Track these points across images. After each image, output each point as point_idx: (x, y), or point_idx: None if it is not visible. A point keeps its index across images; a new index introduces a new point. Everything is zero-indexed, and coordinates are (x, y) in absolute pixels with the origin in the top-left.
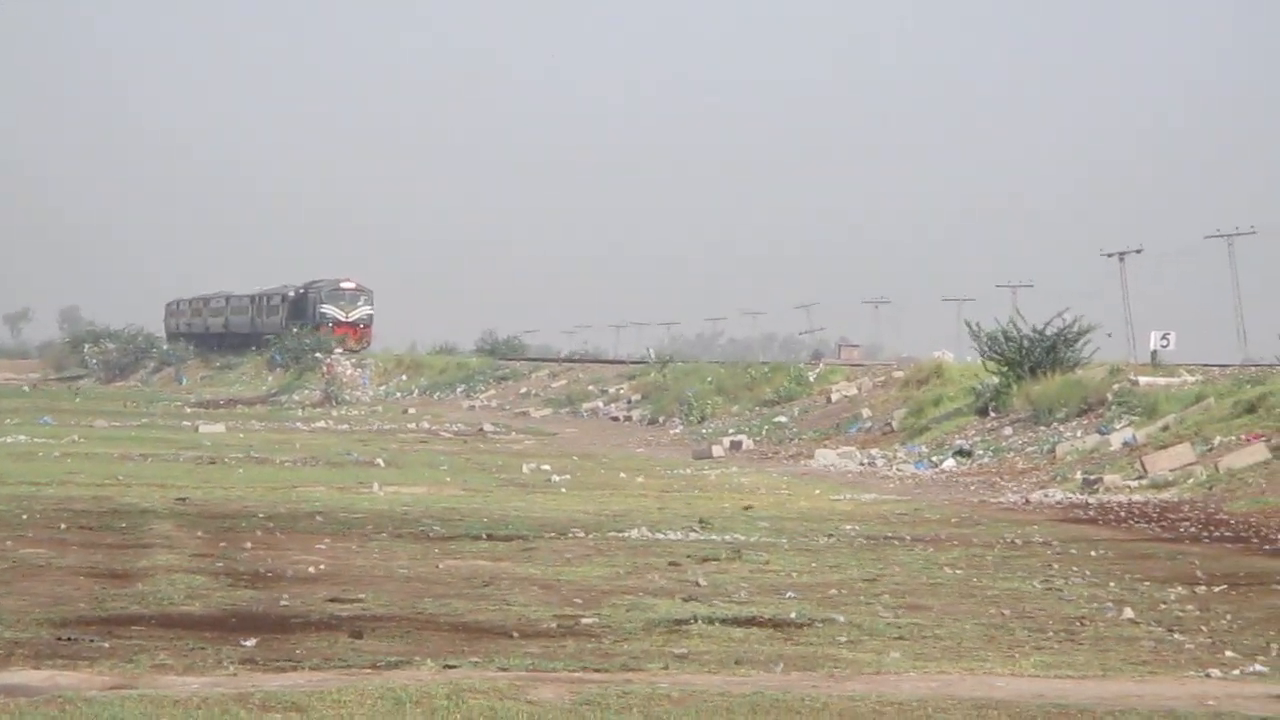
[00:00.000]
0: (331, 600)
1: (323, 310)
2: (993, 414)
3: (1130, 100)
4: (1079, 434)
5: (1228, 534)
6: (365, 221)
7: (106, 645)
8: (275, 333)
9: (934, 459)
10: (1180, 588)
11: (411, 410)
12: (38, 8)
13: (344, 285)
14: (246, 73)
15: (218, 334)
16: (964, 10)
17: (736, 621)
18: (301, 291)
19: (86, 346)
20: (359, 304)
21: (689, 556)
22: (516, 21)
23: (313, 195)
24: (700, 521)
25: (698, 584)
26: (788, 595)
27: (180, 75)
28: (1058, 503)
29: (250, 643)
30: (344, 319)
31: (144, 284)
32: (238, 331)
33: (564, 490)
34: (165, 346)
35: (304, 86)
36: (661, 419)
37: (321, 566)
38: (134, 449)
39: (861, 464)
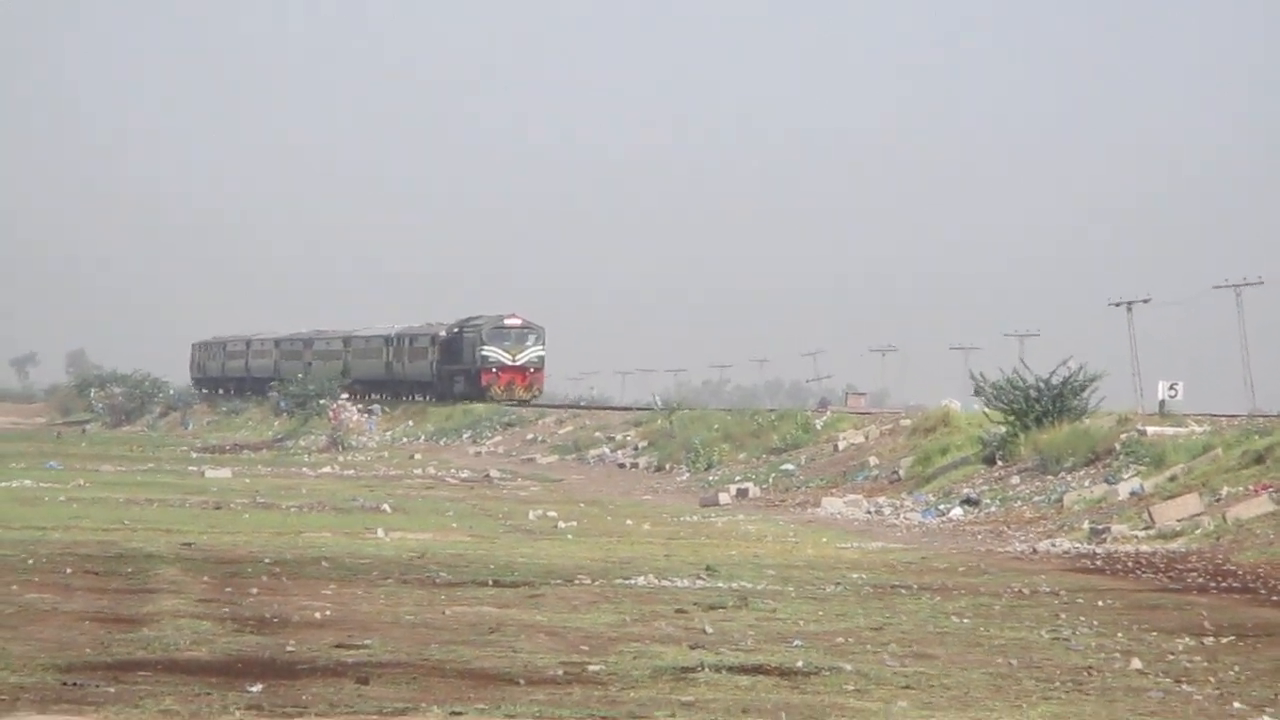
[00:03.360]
0: (338, 646)
1: (484, 353)
2: (1000, 463)
3: (1138, 150)
4: (1086, 484)
5: (1235, 585)
6: (368, 270)
7: (112, 690)
8: (423, 379)
9: (941, 508)
10: (1188, 638)
11: (418, 456)
12: (37, 49)
13: (509, 322)
14: (246, 119)
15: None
16: (970, 63)
17: (743, 669)
18: (456, 331)
19: (93, 390)
20: (528, 344)
21: (696, 604)
22: (489, 67)
23: (324, 243)
24: (707, 569)
25: (704, 631)
26: (794, 643)
27: (179, 126)
28: (1065, 552)
29: (256, 689)
30: (510, 362)
31: (152, 327)
32: (364, 378)
33: (570, 537)
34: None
35: (310, 134)
36: (668, 466)
37: (328, 612)
38: (140, 494)
39: (868, 512)
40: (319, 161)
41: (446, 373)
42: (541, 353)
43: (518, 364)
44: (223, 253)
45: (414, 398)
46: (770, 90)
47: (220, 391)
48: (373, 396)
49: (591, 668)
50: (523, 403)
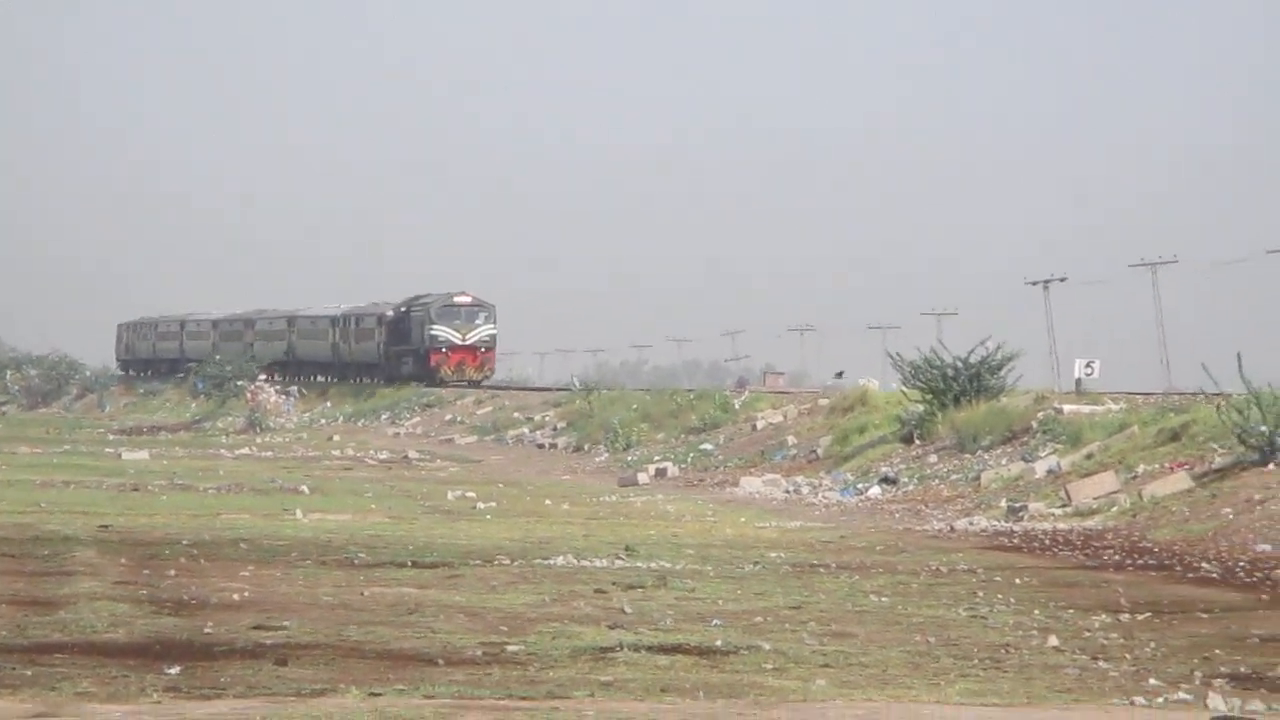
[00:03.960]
0: (256, 628)
1: (433, 332)
2: (918, 441)
3: (1057, 133)
4: (1004, 462)
5: (1151, 562)
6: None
7: (29, 673)
8: (370, 361)
9: (859, 486)
10: (1104, 615)
11: (336, 437)
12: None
13: (459, 300)
14: (198, 75)
15: (278, 362)
16: (897, 50)
17: (662, 649)
18: (403, 310)
19: (8, 373)
20: (478, 322)
21: (615, 584)
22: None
23: (249, 216)
24: (626, 549)
25: (623, 611)
26: (713, 623)
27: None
28: (982, 530)
29: (174, 670)
30: (461, 341)
31: (80, 309)
32: (311, 359)
33: (489, 517)
34: (195, 375)
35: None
36: (587, 446)
37: (246, 594)
38: (56, 476)
39: (787, 491)
40: (305, 153)
41: (395, 353)
42: (493, 331)
43: (468, 343)
44: (170, 228)
45: (362, 380)
46: (702, 69)
47: (151, 375)
48: (318, 379)
49: (510, 648)
50: (474, 384)
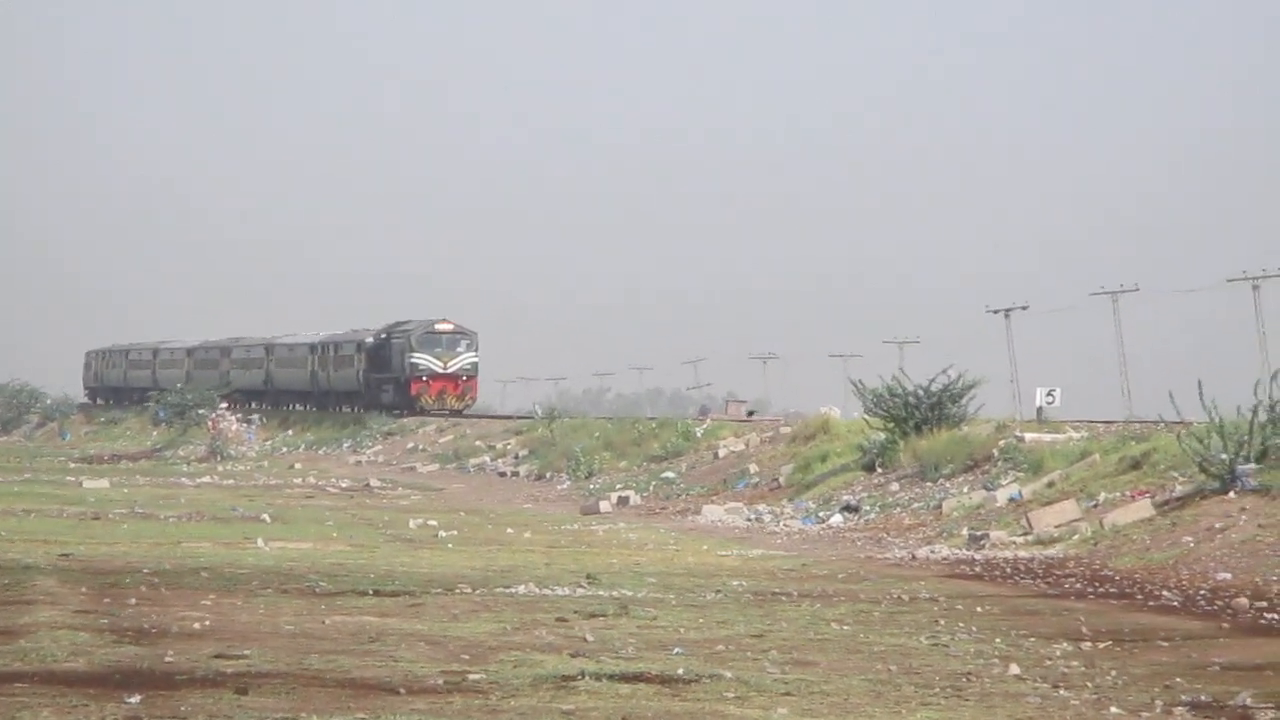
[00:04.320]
0: (217, 656)
1: (413, 360)
2: (879, 470)
3: (1018, 164)
4: (965, 490)
5: (1113, 590)
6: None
7: None
8: (350, 389)
9: (821, 515)
10: (1066, 644)
11: (297, 465)
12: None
13: (440, 327)
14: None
15: (254, 390)
16: (852, 71)
17: (624, 678)
18: (384, 337)
19: None
20: (459, 350)
21: (576, 612)
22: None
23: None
24: (588, 577)
25: (585, 640)
26: (675, 651)
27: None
28: (944, 559)
29: (134, 700)
30: (441, 370)
31: (42, 336)
32: (289, 388)
33: (451, 546)
34: (155, 402)
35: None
36: (549, 474)
37: (207, 622)
38: (16, 504)
39: (749, 519)
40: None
41: (375, 381)
42: (475, 359)
43: (449, 371)
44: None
45: (341, 408)
46: (649, 91)
47: (125, 404)
48: (297, 407)
49: (472, 676)
50: (455, 413)
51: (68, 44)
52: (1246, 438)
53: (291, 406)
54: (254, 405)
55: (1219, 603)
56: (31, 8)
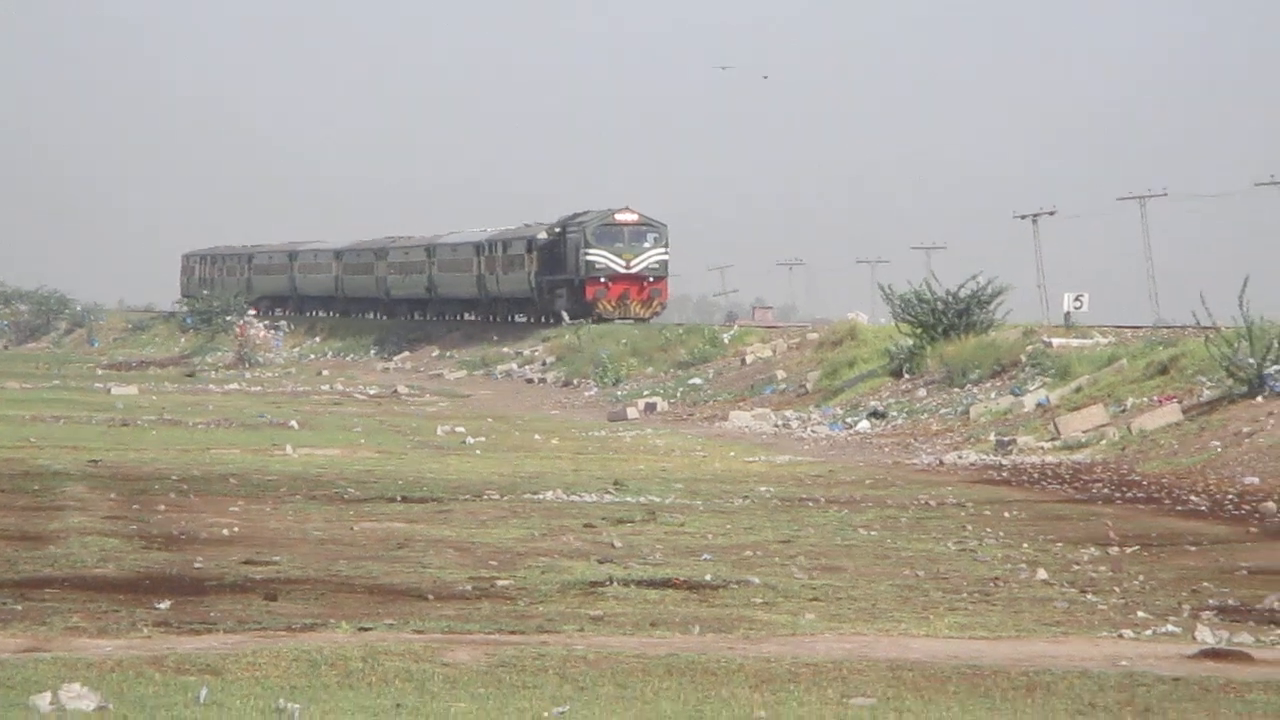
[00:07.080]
0: (246, 563)
1: (588, 257)
2: (907, 376)
3: (1045, 65)
4: (993, 396)
5: (1140, 495)
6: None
7: (19, 608)
8: (521, 295)
9: (848, 420)
10: (1093, 549)
11: (325, 372)
12: None
13: (621, 218)
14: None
15: (406, 299)
16: None
17: (652, 584)
18: (558, 232)
19: None
20: (645, 245)
21: (604, 519)
22: None
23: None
24: (615, 483)
25: (613, 546)
26: (703, 557)
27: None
28: (971, 464)
29: (164, 605)
30: (623, 269)
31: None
32: (450, 295)
33: (478, 452)
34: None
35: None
36: (576, 381)
37: (235, 529)
38: (46, 411)
39: (776, 426)
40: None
41: (547, 285)
42: (664, 256)
43: (632, 271)
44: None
45: (512, 318)
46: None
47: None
48: (462, 317)
49: (500, 582)
50: (640, 320)
51: None
52: (1274, 342)
53: (459, 317)
54: (279, 312)
55: (1246, 507)
56: None
